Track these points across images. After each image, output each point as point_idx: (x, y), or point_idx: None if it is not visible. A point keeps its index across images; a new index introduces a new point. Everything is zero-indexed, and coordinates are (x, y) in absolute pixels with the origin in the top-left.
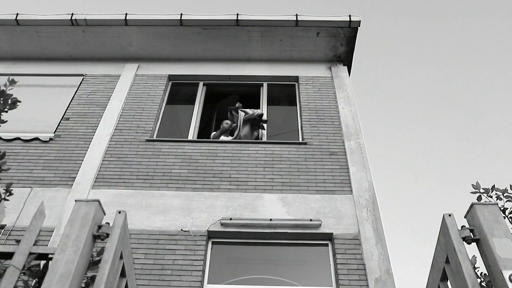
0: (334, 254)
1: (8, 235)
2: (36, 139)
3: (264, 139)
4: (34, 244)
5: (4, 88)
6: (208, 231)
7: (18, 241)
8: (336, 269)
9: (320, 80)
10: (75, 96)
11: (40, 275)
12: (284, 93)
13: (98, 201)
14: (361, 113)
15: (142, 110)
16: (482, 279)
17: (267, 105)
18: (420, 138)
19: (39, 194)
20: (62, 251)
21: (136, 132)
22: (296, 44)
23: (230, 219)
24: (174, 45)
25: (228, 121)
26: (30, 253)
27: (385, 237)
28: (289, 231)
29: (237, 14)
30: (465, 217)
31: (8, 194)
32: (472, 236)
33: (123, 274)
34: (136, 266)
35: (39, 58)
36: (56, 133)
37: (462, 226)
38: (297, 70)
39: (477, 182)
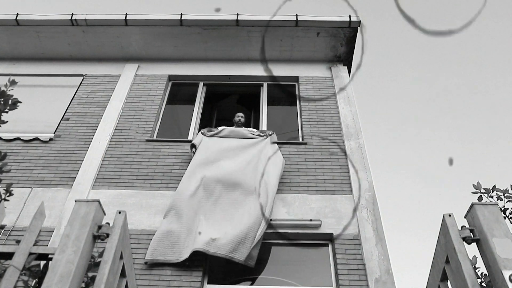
0: (334, 254)
1: (8, 235)
2: (36, 139)
3: None
4: (34, 244)
5: (5, 89)
6: None
7: (18, 241)
8: (336, 269)
9: (320, 80)
10: (75, 96)
11: (40, 275)
12: (284, 93)
13: (98, 201)
14: (361, 113)
15: (142, 110)
16: (482, 279)
17: (267, 105)
18: (420, 138)
19: (39, 194)
20: (62, 251)
21: (136, 132)
22: (296, 44)
23: None
24: (174, 45)
25: (241, 113)
26: (30, 253)
27: (385, 237)
28: (289, 231)
29: (237, 14)
30: (465, 217)
31: (8, 194)
32: (472, 236)
33: (123, 274)
34: (136, 266)
35: (39, 58)
36: (56, 133)
37: (462, 226)
38: (297, 70)
39: (478, 182)
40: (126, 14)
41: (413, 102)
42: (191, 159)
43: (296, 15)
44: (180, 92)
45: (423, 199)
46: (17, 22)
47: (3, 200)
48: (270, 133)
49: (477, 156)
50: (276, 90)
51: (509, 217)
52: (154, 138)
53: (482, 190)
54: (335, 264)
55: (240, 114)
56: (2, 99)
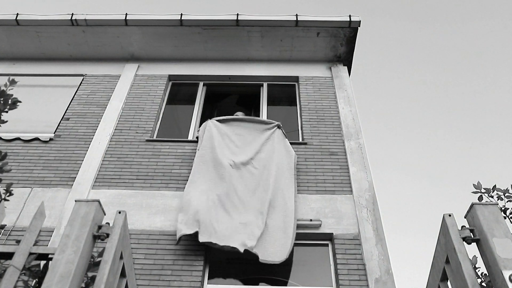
0: (334, 254)
1: (8, 235)
2: (36, 139)
3: None
4: (34, 244)
5: (4, 88)
6: None
7: (18, 241)
8: (336, 269)
9: (320, 80)
10: (75, 96)
11: (40, 275)
12: (284, 93)
13: (98, 201)
14: (361, 113)
15: (142, 110)
16: (483, 279)
17: (267, 105)
18: (420, 138)
19: (39, 194)
20: (62, 251)
21: (136, 132)
22: (296, 44)
23: None
24: (174, 45)
25: (239, 113)
26: (30, 253)
27: (385, 237)
28: None
29: (237, 14)
30: (465, 217)
31: (8, 194)
32: (472, 236)
33: (123, 274)
34: (136, 266)
35: (39, 58)
36: (56, 133)
37: (462, 226)
38: (297, 70)
39: (478, 182)
40: (126, 14)
41: (413, 102)
42: (192, 158)
43: (296, 15)
44: (180, 92)
45: (423, 199)
46: (17, 22)
47: (3, 200)
48: (280, 124)
49: (477, 156)
50: (276, 90)
51: (509, 217)
52: (154, 138)
53: (483, 190)
54: (335, 264)
55: (237, 113)
56: (2, 99)
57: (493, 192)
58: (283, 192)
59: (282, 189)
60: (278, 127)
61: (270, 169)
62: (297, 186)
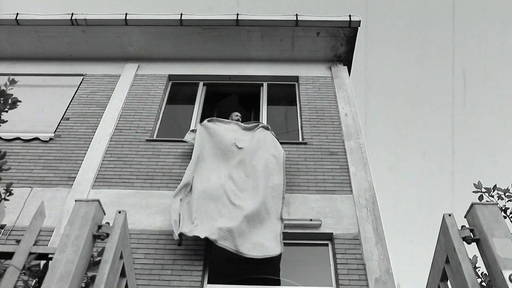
0: (334, 254)
1: (8, 235)
2: (36, 139)
3: None
4: (34, 244)
5: (4, 88)
6: None
7: (18, 241)
8: (336, 269)
9: (320, 80)
10: (75, 96)
11: (40, 275)
12: (284, 93)
13: (98, 201)
14: (361, 113)
15: (142, 110)
16: (483, 279)
17: (267, 105)
18: (420, 138)
19: (39, 194)
20: (62, 251)
21: (136, 132)
22: (296, 44)
23: None
24: (174, 45)
25: (238, 113)
26: (30, 253)
27: (385, 237)
28: (289, 231)
29: (237, 14)
30: (465, 217)
31: (8, 194)
32: (472, 236)
33: (123, 274)
34: (136, 266)
35: (39, 58)
36: (56, 133)
37: (462, 226)
38: (297, 70)
39: (479, 181)
40: (126, 14)
41: (414, 102)
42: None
43: (296, 15)
44: (180, 92)
45: (423, 199)
46: (17, 22)
47: (3, 200)
48: (267, 126)
49: (477, 156)
50: (276, 90)
51: (509, 216)
52: (154, 138)
53: (483, 190)
54: (335, 264)
55: (236, 113)
56: (2, 99)
57: (493, 191)
58: (273, 189)
59: (269, 185)
60: (267, 128)
61: (258, 162)
62: (297, 186)
